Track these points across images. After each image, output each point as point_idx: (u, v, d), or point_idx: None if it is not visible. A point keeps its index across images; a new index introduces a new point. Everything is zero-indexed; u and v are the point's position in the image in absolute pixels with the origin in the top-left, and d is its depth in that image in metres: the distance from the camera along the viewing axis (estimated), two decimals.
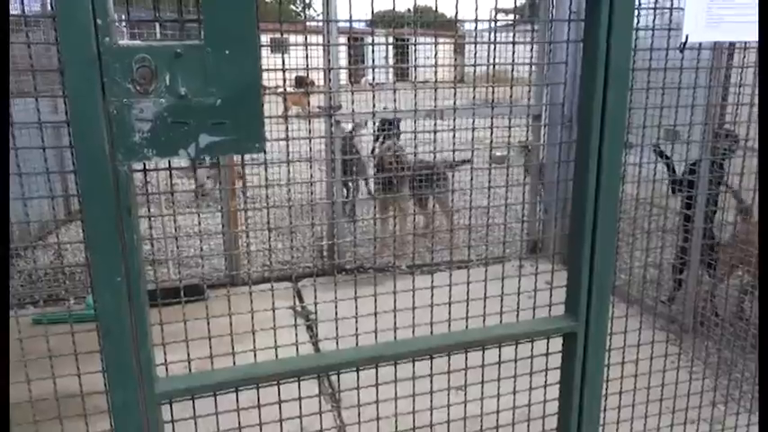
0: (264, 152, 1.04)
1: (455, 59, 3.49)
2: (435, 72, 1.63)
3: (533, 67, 3.89)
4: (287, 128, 1.36)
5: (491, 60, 1.59)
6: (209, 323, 1.47)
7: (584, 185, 1.43)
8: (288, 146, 1.44)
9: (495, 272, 1.71)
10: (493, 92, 1.80)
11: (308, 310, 3.43)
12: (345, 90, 2.36)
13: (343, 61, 4.37)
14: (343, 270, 4.07)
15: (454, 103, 1.62)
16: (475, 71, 1.65)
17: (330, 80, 3.78)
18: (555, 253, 1.78)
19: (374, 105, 1.54)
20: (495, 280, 1.63)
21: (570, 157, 1.51)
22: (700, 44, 1.69)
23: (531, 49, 3.53)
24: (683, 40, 1.51)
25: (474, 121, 1.61)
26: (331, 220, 4.03)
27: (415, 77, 1.51)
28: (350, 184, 4.92)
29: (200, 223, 1.34)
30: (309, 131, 1.52)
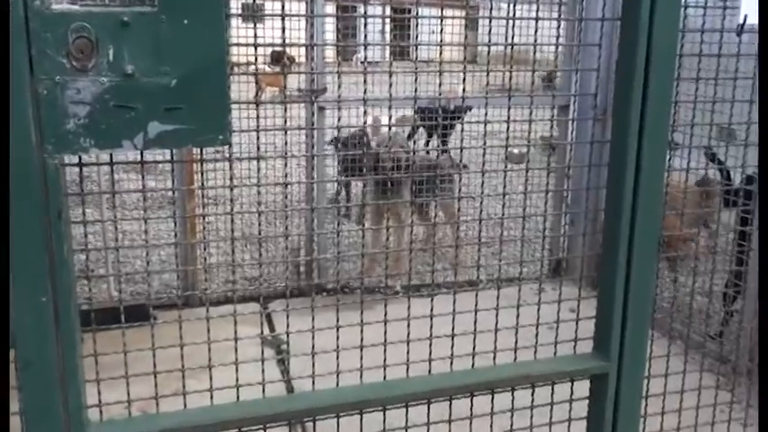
0: (230, 145, 1.03)
1: (465, 36, 3.50)
2: (441, 51, 1.63)
3: (560, 48, 3.94)
4: (257, 115, 1.35)
5: (509, 39, 1.59)
6: (155, 354, 1.46)
7: (620, 194, 1.44)
8: (258, 137, 1.44)
9: (510, 297, 1.72)
10: (510, 77, 1.81)
11: (280, 339, 3.41)
12: (332, 71, 2.37)
13: (330, 35, 4.38)
14: (323, 291, 4.07)
15: (463, 90, 1.62)
16: (489, 51, 1.65)
17: (313, 58, 3.79)
18: (582, 275, 1.78)
19: (365, 90, 1.54)
20: (510, 307, 1.63)
21: (603, 158, 1.52)
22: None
23: (558, 27, 3.54)
24: (741, 22, 1.51)
25: (486, 112, 1.61)
26: (310, 229, 4.03)
27: (416, 57, 1.51)
28: (348, 186, 4.95)
29: (146, 231, 1.32)
30: (285, 120, 1.52)
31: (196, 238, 3.96)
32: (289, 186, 1.52)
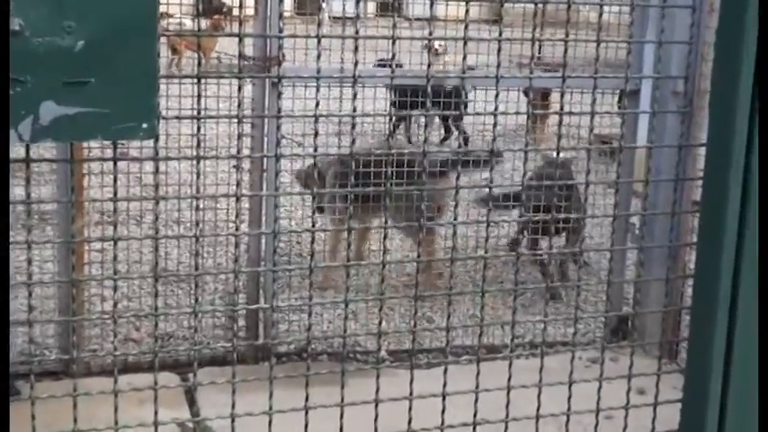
0: (156, 138, 1.04)
1: None
2: (447, 5, 1.66)
3: (629, 9, 3.98)
4: (180, 93, 1.37)
5: None
6: None
7: (720, 222, 1.46)
8: (199, 128, 1.45)
9: (552, 370, 1.74)
10: (565, 51, 1.85)
11: (208, 428, 3.40)
12: (292, 34, 2.39)
13: None
14: (273, 356, 4.05)
15: (464, 64, 1.65)
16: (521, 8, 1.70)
17: (267, 10, 3.82)
18: (661, 341, 1.81)
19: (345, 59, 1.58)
20: (553, 385, 1.65)
21: (691, 168, 1.55)
22: None
23: None
24: None
25: (518, 96, 1.65)
26: (255, 263, 4.03)
27: (412, 15, 1.54)
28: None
29: (29, 261, 1.32)
30: (240, 103, 1.54)
31: (83, 274, 3.94)
32: (226, 199, 1.54)
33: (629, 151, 4.06)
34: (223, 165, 5.12)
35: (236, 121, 1.74)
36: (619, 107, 3.52)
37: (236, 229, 1.75)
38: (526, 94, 5.84)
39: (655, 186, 3.62)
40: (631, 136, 4.02)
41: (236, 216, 1.76)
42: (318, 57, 1.74)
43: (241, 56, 1.78)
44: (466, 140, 7.65)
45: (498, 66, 1.85)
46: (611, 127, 8.30)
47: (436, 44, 10.64)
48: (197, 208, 1.82)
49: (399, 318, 4.69)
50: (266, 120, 3.87)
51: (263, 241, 4.04)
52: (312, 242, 1.81)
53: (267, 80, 3.83)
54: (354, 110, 1.79)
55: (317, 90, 1.76)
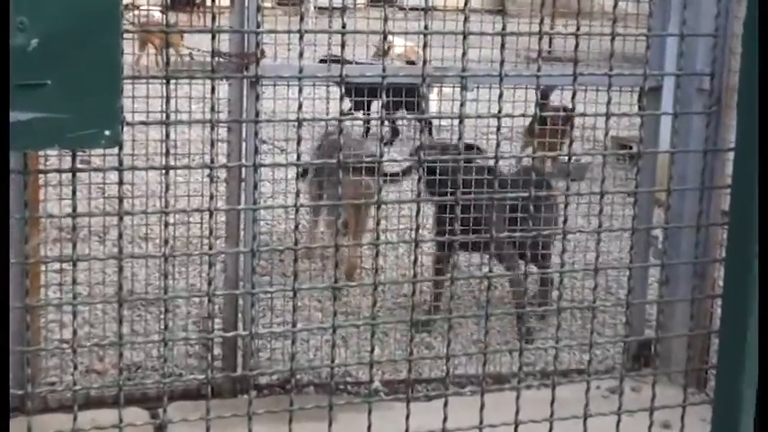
0: (121, 146, 1.05)
1: None
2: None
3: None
4: (148, 94, 1.37)
5: None
6: None
7: (749, 233, 1.47)
8: (166, 134, 1.46)
9: (566, 401, 1.74)
10: (576, 45, 1.85)
11: None
12: (272, 29, 2.40)
13: None
14: (254, 388, 4.05)
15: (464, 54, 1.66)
16: None
17: (244, 2, 3.84)
18: (687, 369, 1.82)
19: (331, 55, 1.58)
20: (568, 419, 1.65)
21: (719, 175, 1.56)
22: None
23: None
24: None
25: (525, 94, 1.66)
26: (233, 284, 4.03)
27: (407, 4, 1.55)
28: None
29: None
30: (213, 108, 1.55)
31: (39, 299, 3.93)
32: (200, 213, 1.55)
33: (650, 156, 4.07)
34: (196, 174, 5.13)
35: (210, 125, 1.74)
36: (639, 107, 3.53)
37: (210, 248, 1.75)
38: (544, 96, 5.89)
39: (679, 196, 3.62)
40: (652, 139, 4.03)
41: (210, 233, 1.75)
42: (301, 54, 1.75)
43: (215, 53, 1.79)
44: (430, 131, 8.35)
45: (502, 63, 1.86)
46: (630, 128, 8.33)
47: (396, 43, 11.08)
48: (166, 224, 1.82)
49: (395, 344, 4.70)
50: (244, 124, 3.89)
51: (242, 260, 4.04)
52: (295, 261, 1.81)
53: (244, 80, 3.84)
54: (342, 113, 1.80)
55: (300, 91, 1.77)
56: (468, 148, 4.56)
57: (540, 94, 2.54)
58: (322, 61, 7.01)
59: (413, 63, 10.28)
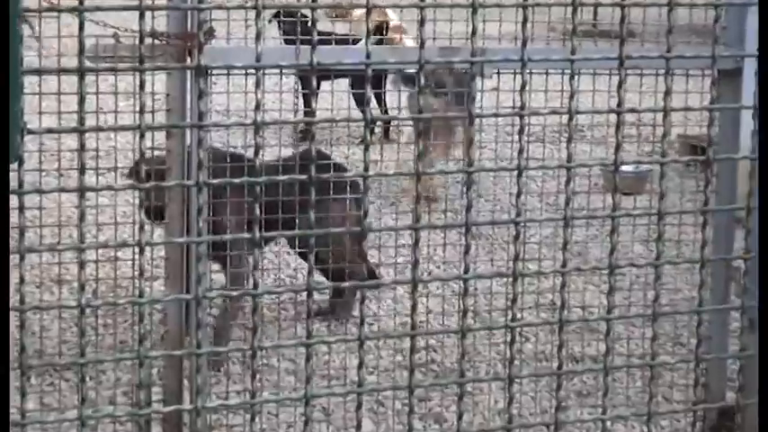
0: (20, 161, 1.06)
1: None
2: None
3: None
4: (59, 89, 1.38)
5: None
6: None
7: None
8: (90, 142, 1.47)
9: None
10: (622, 18, 1.88)
11: None
12: (218, 5, 2.41)
13: None
14: None
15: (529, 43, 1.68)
16: None
17: None
18: None
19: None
20: None
21: None
22: None
23: None
24: None
25: (562, 81, 1.68)
26: (176, 343, 4.04)
27: None
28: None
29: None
30: (116, 97, 1.57)
31: None
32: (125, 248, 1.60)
33: (727, 163, 4.07)
34: (126, 195, 5.14)
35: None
36: (711, 98, 3.51)
37: (141, 294, 1.75)
38: None
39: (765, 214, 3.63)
40: (730, 140, 4.04)
41: (140, 273, 1.76)
42: (258, 36, 1.75)
43: (147, 34, 1.80)
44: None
45: (524, 43, 1.87)
46: (702, 123, 8.32)
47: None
48: (81, 264, 1.81)
49: (394, 417, 4.70)
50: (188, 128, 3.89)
51: (184, 309, 4.05)
52: (254, 311, 1.82)
53: (188, 70, 3.86)
54: (309, 112, 1.80)
55: (258, 85, 1.76)
56: None
57: None
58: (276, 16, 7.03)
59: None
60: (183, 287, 4.03)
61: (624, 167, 7.29)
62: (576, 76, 2.19)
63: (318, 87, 9.59)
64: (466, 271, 1.91)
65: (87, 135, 1.68)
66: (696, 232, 5.15)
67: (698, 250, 5.09)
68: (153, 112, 4.01)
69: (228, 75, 4.85)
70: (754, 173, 2.16)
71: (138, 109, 1.71)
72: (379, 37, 9.54)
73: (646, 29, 4.99)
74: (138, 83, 1.73)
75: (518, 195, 1.94)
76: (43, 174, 4.54)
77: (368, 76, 1.75)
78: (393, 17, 11.35)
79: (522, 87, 1.92)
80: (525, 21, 1.90)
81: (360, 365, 1.84)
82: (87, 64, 1.57)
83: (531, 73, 2.14)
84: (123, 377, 4.82)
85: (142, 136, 1.67)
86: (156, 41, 3.83)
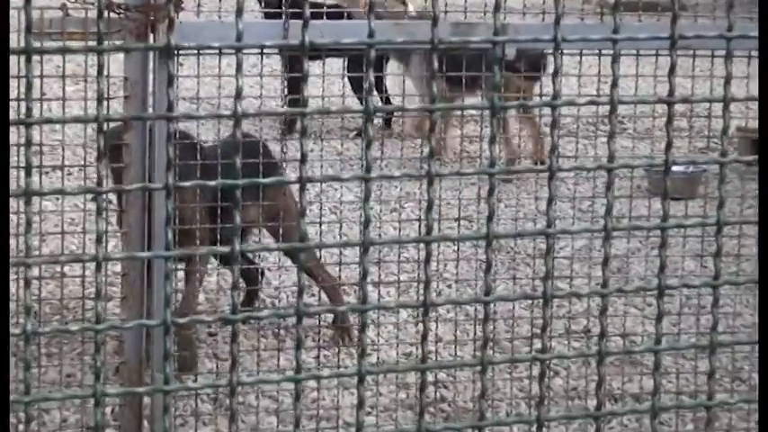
0: None
1: None
2: None
3: None
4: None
5: None
6: None
7: None
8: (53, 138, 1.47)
9: None
10: None
11: None
12: None
13: None
14: None
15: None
16: None
17: None
18: None
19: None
20: None
21: None
22: None
23: None
24: None
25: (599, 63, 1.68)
26: (136, 378, 4.05)
27: None
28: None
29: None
30: (64, 81, 1.55)
31: None
32: (75, 263, 1.63)
33: None
34: (75, 200, 5.12)
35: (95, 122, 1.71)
36: None
37: (98, 319, 1.73)
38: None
39: None
40: None
41: (97, 295, 1.75)
42: (239, 11, 1.73)
43: (104, 6, 1.78)
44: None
45: (557, 21, 1.86)
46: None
47: None
48: (27, 281, 1.81)
49: None
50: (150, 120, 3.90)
51: (145, 337, 4.05)
52: (233, 340, 1.80)
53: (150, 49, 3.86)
54: (296, 99, 1.78)
55: (239, 68, 1.74)
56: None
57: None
58: None
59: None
60: (144, 310, 4.03)
61: (674, 168, 7.31)
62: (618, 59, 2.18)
63: (380, 87, 9.67)
64: (487, 292, 1.89)
65: (22, 128, 1.66)
66: None
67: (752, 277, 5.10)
68: (108, 98, 3.98)
69: (199, 55, 4.84)
70: None
71: (96, 96, 1.69)
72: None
73: (700, 1, 4.99)
74: (97, 65, 1.71)
75: (549, 201, 1.91)
76: None
77: (370, 59, 1.73)
78: None
79: (555, 73, 1.90)
80: None
81: (359, 405, 1.83)
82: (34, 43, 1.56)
83: (562, 54, 2.13)
84: (71, 417, 4.80)
85: (101, 130, 1.65)
86: (113, 14, 3.81)
